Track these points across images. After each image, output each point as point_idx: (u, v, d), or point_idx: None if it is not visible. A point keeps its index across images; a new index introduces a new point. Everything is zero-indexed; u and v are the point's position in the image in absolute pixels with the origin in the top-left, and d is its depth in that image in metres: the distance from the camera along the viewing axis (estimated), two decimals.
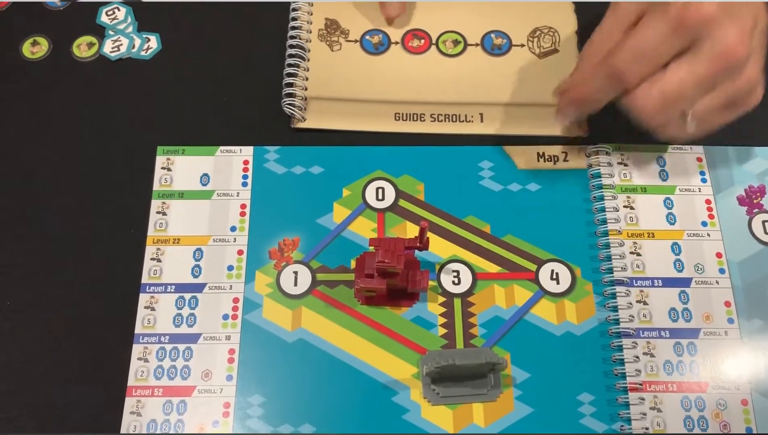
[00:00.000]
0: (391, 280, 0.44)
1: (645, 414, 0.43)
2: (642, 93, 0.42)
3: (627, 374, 0.44)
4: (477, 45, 0.54)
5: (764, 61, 0.44)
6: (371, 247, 0.44)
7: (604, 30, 0.45)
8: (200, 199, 0.49)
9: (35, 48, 0.54)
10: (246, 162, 0.50)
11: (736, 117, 0.45)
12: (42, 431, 0.43)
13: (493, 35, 0.55)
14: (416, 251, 0.46)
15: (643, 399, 0.44)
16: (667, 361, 0.45)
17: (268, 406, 0.44)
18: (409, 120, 0.51)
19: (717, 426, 0.43)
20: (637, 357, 0.45)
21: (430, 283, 0.47)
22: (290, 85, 0.52)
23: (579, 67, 0.46)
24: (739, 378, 0.44)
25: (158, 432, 0.43)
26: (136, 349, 0.45)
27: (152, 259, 0.48)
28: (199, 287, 0.47)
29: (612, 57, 0.43)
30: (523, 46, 0.54)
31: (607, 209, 0.48)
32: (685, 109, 0.43)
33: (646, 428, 0.43)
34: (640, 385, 0.44)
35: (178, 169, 0.50)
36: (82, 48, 0.54)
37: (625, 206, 0.49)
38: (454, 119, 0.51)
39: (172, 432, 0.43)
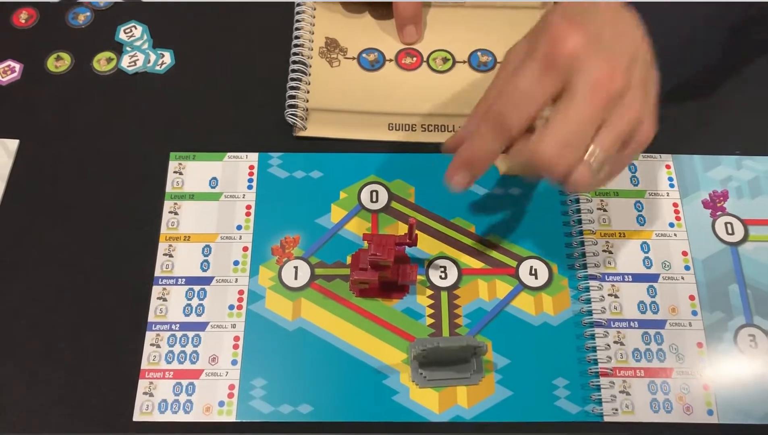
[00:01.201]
0: (383, 273, 0.48)
1: (615, 397, 0.47)
2: (538, 142, 0.40)
3: (599, 361, 0.48)
4: (464, 62, 0.59)
5: (650, 93, 0.42)
6: (365, 242, 0.48)
7: (495, 83, 0.43)
8: (209, 201, 0.54)
9: (59, 62, 0.59)
10: (251, 167, 0.55)
11: (634, 157, 0.43)
12: (61, 412, 0.47)
13: (479, 53, 0.59)
14: (406, 247, 0.50)
15: (614, 383, 0.48)
16: (635, 349, 0.49)
17: (269, 387, 0.48)
18: (402, 130, 0.56)
19: (681, 408, 0.47)
20: (608, 345, 0.49)
21: (419, 277, 0.51)
22: (293, 97, 0.56)
23: (466, 122, 0.45)
24: (702, 365, 0.48)
25: (168, 411, 0.47)
26: (149, 336, 0.49)
27: (165, 254, 0.52)
28: (208, 280, 0.51)
29: (493, 106, 0.42)
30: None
31: (582, 211, 0.53)
32: (584, 151, 0.40)
33: (616, 410, 0.47)
34: (611, 370, 0.48)
35: (189, 173, 0.54)
36: (102, 63, 0.59)
37: (598, 208, 0.53)
38: (443, 129, 0.56)
39: (181, 411, 0.47)
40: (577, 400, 0.47)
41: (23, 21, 0.61)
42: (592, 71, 0.39)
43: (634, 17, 0.43)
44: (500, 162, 0.53)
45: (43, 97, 0.57)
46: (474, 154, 0.43)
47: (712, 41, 0.52)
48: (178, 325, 0.49)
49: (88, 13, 0.61)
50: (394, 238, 0.47)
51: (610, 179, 0.44)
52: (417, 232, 0.52)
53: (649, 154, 0.55)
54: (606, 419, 0.47)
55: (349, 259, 0.51)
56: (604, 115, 0.40)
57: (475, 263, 0.52)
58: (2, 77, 0.58)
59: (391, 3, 0.59)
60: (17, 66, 0.58)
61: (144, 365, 0.48)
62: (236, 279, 0.51)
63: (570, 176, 0.41)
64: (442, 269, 0.51)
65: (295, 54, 0.58)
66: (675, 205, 0.53)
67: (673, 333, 0.49)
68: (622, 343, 0.49)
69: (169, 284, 0.51)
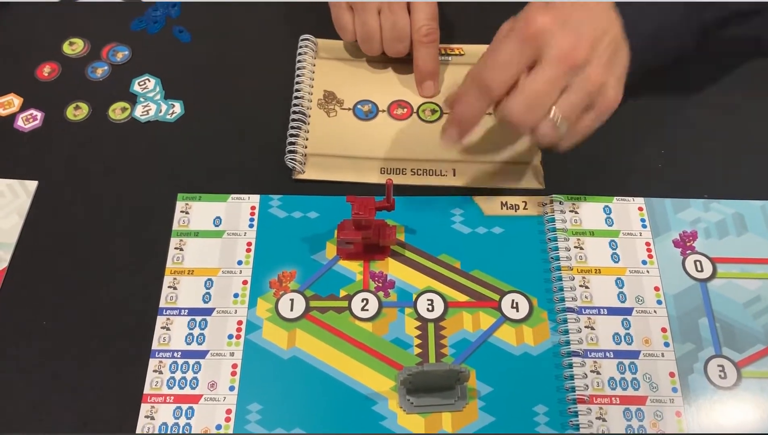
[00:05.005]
0: (366, 233, 0.53)
1: (592, 422, 0.50)
2: (509, 101, 0.48)
3: (576, 388, 0.51)
4: None
5: (616, 65, 0.49)
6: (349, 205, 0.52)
7: (484, 54, 0.50)
8: (213, 238, 0.57)
9: (77, 111, 0.64)
10: (253, 207, 0.59)
11: (600, 121, 0.50)
12: (67, 431, 0.49)
13: None
14: (386, 212, 0.54)
15: (590, 410, 0.50)
16: (611, 378, 0.52)
17: (264, 412, 0.50)
18: (393, 173, 0.60)
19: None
20: (586, 374, 0.52)
21: (408, 309, 0.54)
22: (293, 143, 0.61)
23: (460, 86, 0.51)
24: (674, 393, 0.51)
25: (169, 433, 0.49)
26: (152, 363, 0.52)
27: (169, 287, 0.55)
28: (209, 311, 0.54)
29: (479, 72, 0.49)
30: (490, 113, 0.63)
31: (560, 249, 0.56)
32: (548, 109, 0.48)
33: None
34: (588, 398, 0.51)
35: (194, 212, 0.58)
36: (117, 112, 0.64)
37: (575, 247, 0.57)
38: (430, 173, 0.60)
39: (180, 433, 0.50)
40: (556, 426, 0.50)
41: (46, 74, 0.66)
42: (557, 44, 0.47)
43: (607, 5, 0.49)
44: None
45: (61, 143, 0.62)
46: (464, 112, 0.51)
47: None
48: (180, 353, 0.52)
49: (106, 67, 0.66)
50: (374, 200, 0.52)
51: (575, 139, 0.50)
52: (407, 267, 0.56)
53: (623, 198, 0.59)
54: None
55: (342, 293, 0.55)
56: (566, 80, 0.47)
57: (460, 297, 0.55)
58: (25, 124, 0.63)
59: (386, 59, 0.64)
60: (39, 114, 0.63)
61: (147, 390, 0.51)
62: (235, 310, 0.54)
63: (535, 131, 0.49)
64: (429, 302, 0.55)
65: (295, 105, 0.63)
66: (647, 244, 0.57)
67: (646, 363, 0.52)
68: (598, 372, 0.52)
69: (173, 315, 0.54)
